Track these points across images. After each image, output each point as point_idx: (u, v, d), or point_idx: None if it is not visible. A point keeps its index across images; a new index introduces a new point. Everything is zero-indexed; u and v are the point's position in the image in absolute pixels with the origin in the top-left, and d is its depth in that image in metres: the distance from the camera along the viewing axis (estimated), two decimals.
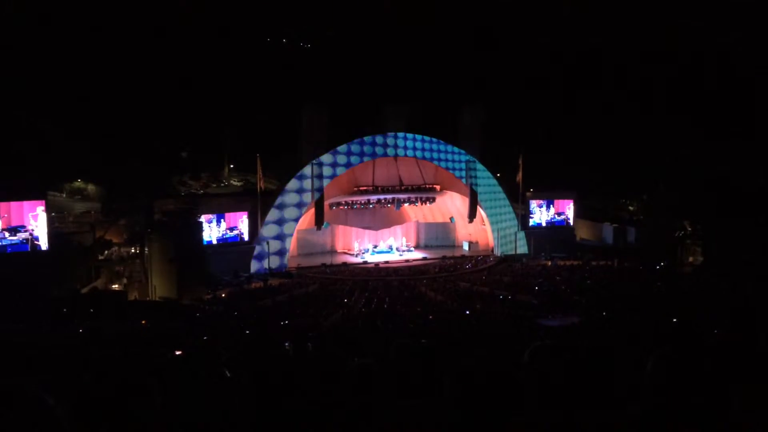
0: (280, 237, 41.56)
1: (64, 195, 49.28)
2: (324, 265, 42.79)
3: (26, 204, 31.41)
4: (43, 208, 31.76)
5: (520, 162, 44.99)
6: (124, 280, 37.96)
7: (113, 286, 37.09)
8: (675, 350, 2.63)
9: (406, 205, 47.20)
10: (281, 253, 41.60)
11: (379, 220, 47.91)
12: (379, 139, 43.64)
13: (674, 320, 15.15)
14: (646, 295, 28.41)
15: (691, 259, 41.70)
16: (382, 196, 45.42)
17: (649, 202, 48.68)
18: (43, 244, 31.60)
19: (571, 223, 47.39)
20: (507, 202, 46.14)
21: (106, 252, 40.00)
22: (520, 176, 45.29)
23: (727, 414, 2.29)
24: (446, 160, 44.84)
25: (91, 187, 51.02)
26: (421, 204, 47.33)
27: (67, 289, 32.18)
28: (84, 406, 2.64)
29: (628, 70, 63.78)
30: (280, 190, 42.39)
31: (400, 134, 43.97)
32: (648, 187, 48.84)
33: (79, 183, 51.17)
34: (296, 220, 42.23)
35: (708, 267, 37.49)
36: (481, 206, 45.25)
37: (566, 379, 2.80)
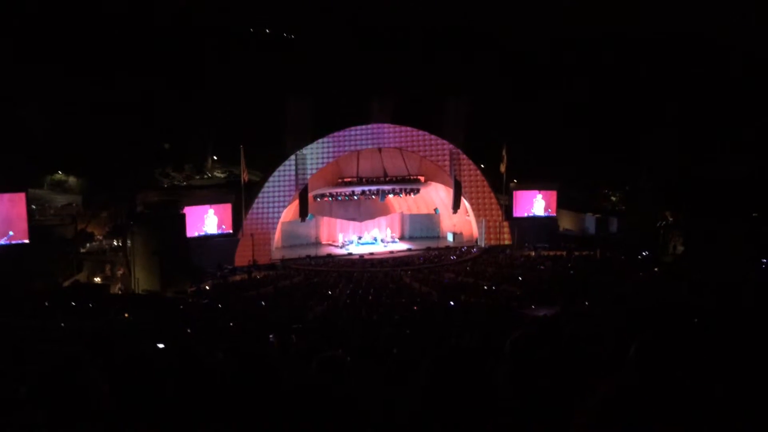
0: (264, 229, 41.48)
1: (45, 187, 48.68)
2: (308, 256, 42.74)
3: None
4: None
5: (504, 153, 45.12)
6: (107, 273, 37.66)
7: (96, 279, 36.80)
8: (656, 336, 2.66)
9: (390, 196, 47.20)
10: (265, 245, 41.53)
11: (364, 211, 47.87)
12: (363, 130, 43.52)
13: (656, 308, 15.31)
14: (628, 284, 28.71)
15: (672, 249, 42.09)
16: (366, 188, 45.38)
17: (631, 192, 49.07)
18: None
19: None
20: (491, 193, 46.24)
21: (88, 245, 39.65)
22: (503, 167, 45.42)
23: (710, 398, 2.32)
24: (430, 151, 44.83)
25: (72, 179, 50.45)
26: (406, 195, 47.34)
27: (48, 282, 31.88)
28: (61, 400, 2.61)
29: (610, 58, 64.18)
30: (264, 182, 42.28)
31: (385, 125, 43.90)
32: (630, 177, 49.23)
33: (59, 175, 50.56)
34: (280, 212, 42.13)
35: (689, 256, 37.93)
36: (465, 197, 45.36)
37: (546, 368, 2.82)
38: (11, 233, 31.89)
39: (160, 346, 8.71)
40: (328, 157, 42.94)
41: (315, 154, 42.53)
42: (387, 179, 45.68)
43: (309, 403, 2.92)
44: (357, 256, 43.34)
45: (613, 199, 54.33)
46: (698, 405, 1.90)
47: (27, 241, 32.43)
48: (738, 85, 56.27)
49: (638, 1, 67.48)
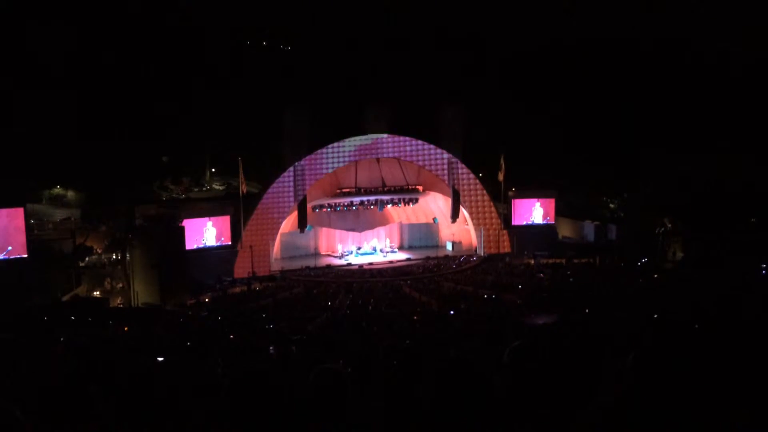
0: (263, 240, 41.44)
1: (43, 202, 48.66)
2: (308, 267, 42.68)
3: None
4: None
5: (502, 161, 45.18)
6: (107, 287, 37.58)
7: (95, 293, 36.70)
8: (654, 344, 2.67)
9: (389, 206, 47.22)
10: (264, 256, 41.49)
11: (363, 221, 47.87)
12: (360, 140, 43.59)
13: (654, 316, 15.28)
14: (628, 291, 28.63)
15: (672, 255, 42.08)
16: (364, 198, 45.42)
17: (630, 199, 49.06)
18: None
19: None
20: (489, 201, 46.26)
21: (87, 259, 39.57)
22: (501, 175, 45.46)
23: (708, 404, 2.32)
24: (428, 161, 44.88)
25: (70, 194, 50.46)
26: (404, 205, 47.37)
27: (47, 296, 31.79)
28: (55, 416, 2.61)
29: (608, 65, 64.35)
30: (263, 193, 42.30)
31: (382, 135, 43.97)
32: (629, 184, 49.23)
33: (58, 189, 50.57)
34: (279, 223, 42.13)
35: (688, 263, 37.90)
36: (463, 206, 45.38)
37: (544, 378, 2.82)
38: (10, 248, 31.84)
39: (160, 359, 8.69)
40: (326, 168, 42.99)
41: (313, 165, 42.58)
42: (385, 189, 45.72)
43: (309, 414, 2.92)
44: (356, 267, 43.30)
45: (612, 206, 54.32)
46: (696, 411, 1.91)
47: (25, 255, 32.37)
48: (736, 89, 56.41)
49: (635, 6, 67.74)
